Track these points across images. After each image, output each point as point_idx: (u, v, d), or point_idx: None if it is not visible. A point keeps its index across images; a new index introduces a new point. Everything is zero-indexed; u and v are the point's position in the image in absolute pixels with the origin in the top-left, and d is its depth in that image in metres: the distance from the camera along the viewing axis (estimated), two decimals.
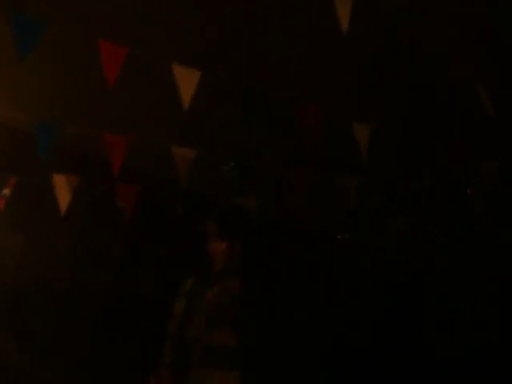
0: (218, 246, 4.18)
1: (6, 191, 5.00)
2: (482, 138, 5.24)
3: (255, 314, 4.13)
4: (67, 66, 4.78)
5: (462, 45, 4.36)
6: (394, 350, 7.04)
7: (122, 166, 4.36)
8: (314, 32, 4.20)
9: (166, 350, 4.08)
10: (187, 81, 3.81)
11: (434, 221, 6.39)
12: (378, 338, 7.22)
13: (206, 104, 4.40)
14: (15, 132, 5.65)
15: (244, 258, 4.23)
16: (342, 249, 7.43)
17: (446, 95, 4.72)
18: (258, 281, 4.38)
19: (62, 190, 4.78)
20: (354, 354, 7.24)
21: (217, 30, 4.29)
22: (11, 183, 4.93)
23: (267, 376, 4.33)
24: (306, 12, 3.96)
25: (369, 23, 3.84)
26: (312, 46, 4.36)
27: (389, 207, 6.03)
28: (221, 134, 5.36)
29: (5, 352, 5.68)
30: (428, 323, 7.09)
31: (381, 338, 7.20)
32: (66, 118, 4.29)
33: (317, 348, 7.20)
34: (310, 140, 4.33)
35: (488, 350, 6.40)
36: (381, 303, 7.29)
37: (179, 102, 3.77)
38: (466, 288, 6.78)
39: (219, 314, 4.04)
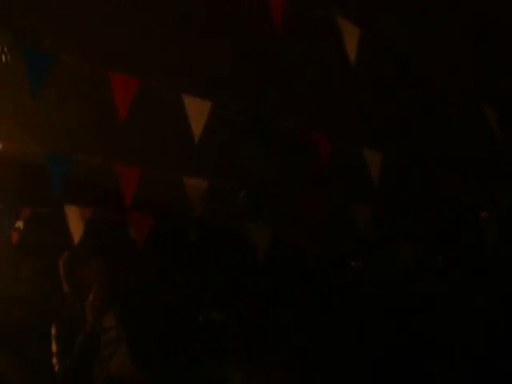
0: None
1: (20, 224, 5.00)
2: (494, 165, 5.23)
3: None
4: (78, 98, 4.81)
5: (470, 70, 4.38)
6: (405, 377, 6.98)
7: (134, 196, 4.36)
8: (325, 60, 4.22)
9: None
10: (198, 112, 3.81)
11: (445, 248, 6.37)
12: (389, 365, 7.17)
13: (218, 134, 4.40)
14: (27, 165, 5.67)
15: None
16: (354, 276, 7.40)
17: (456, 121, 4.72)
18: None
19: (75, 221, 4.78)
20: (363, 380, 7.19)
21: (227, 60, 4.31)
22: (24, 215, 4.93)
23: None
24: (316, 41, 3.98)
25: (378, 51, 3.85)
26: (322, 73, 4.38)
27: (401, 234, 6.01)
28: (232, 163, 5.37)
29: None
30: (440, 350, 7.04)
31: (392, 366, 7.15)
32: (77, 150, 4.29)
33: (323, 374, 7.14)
34: (321, 167, 4.32)
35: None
36: (393, 330, 7.25)
37: (190, 133, 3.78)
38: (477, 315, 6.74)
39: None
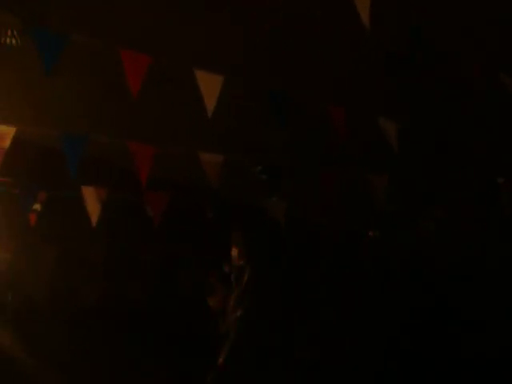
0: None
1: (37, 206, 5.02)
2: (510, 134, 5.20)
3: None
4: (91, 78, 4.79)
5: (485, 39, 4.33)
6: (425, 350, 6.96)
7: (150, 174, 4.35)
8: (338, 30, 4.18)
9: None
10: (210, 86, 3.79)
11: (463, 216, 6.32)
12: (410, 337, 7.14)
13: (231, 108, 4.38)
14: (43, 148, 5.67)
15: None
16: (372, 247, 7.37)
17: (471, 89, 4.68)
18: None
19: (92, 201, 4.79)
20: (383, 355, 7.17)
21: (239, 34, 4.27)
22: (41, 198, 4.95)
23: None
24: (329, 12, 3.94)
25: (393, 20, 3.81)
26: (337, 43, 4.34)
27: (420, 204, 5.97)
28: (247, 137, 5.35)
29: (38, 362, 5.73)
30: (462, 321, 7.00)
31: (412, 338, 7.12)
32: (91, 130, 4.29)
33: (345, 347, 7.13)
34: (337, 139, 4.30)
35: None
36: (412, 302, 7.22)
37: (204, 108, 3.76)
38: (501, 284, 6.69)
39: None
